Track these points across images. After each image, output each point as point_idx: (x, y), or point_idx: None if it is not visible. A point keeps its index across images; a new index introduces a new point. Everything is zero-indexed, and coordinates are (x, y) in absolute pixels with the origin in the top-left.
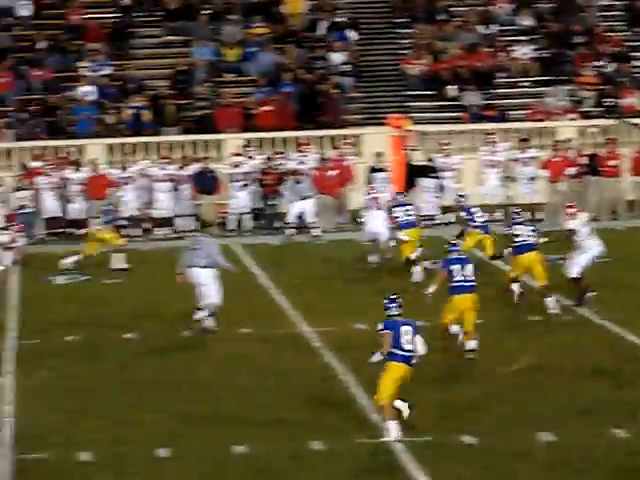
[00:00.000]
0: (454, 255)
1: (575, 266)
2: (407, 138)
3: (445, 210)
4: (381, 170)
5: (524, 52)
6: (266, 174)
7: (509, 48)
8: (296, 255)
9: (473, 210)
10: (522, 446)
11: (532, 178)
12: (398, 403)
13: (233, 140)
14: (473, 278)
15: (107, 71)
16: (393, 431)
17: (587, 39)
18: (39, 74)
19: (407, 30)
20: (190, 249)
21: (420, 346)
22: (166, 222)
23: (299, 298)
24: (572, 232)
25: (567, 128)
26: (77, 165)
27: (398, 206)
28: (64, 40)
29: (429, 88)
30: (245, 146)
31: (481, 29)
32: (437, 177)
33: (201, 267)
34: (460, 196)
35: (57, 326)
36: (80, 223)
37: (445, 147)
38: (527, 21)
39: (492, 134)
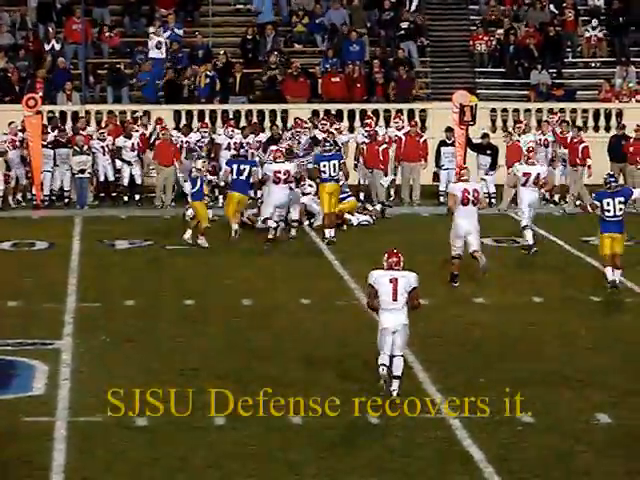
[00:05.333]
0: None
1: None
2: (469, 114)
3: None
4: (451, 145)
5: (594, 32)
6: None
7: (579, 28)
8: None
9: None
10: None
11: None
12: None
13: (299, 110)
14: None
15: (177, 38)
16: None
17: None
18: (109, 38)
19: (477, 6)
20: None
21: None
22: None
23: None
24: None
25: (635, 110)
26: (129, 134)
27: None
28: (135, 4)
29: (497, 65)
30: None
31: (552, 8)
32: (492, 155)
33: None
34: None
35: (117, 290)
36: (135, 189)
37: (520, 125)
38: (598, 1)
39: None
